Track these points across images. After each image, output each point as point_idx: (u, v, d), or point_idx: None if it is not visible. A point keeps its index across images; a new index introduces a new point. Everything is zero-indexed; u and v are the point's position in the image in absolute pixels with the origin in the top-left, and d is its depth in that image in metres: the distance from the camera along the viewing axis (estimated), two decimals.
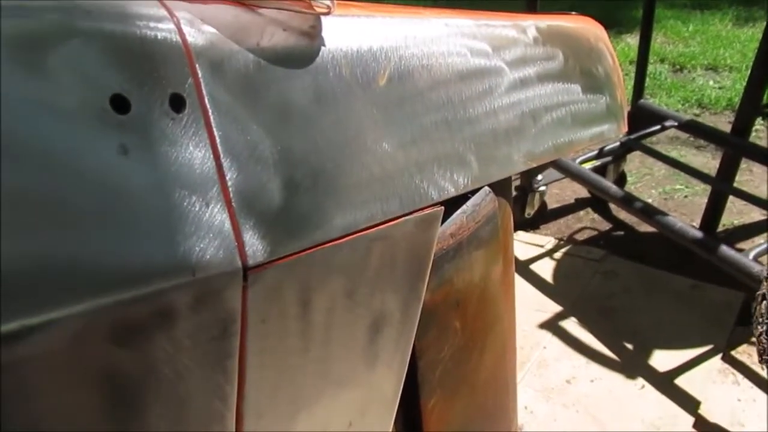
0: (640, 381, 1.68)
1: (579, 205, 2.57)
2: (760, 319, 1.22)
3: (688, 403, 1.61)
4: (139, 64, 0.34)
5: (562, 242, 2.30)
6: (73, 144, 0.31)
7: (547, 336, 1.85)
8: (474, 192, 0.62)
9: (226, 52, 0.39)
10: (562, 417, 1.59)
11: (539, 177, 2.30)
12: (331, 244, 0.43)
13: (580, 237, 2.36)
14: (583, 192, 2.58)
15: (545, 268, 2.14)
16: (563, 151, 0.81)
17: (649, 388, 1.66)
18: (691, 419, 1.56)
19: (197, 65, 0.37)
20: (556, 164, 2.16)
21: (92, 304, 0.30)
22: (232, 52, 0.39)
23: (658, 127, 2.31)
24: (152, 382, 0.35)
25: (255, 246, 0.38)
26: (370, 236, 0.46)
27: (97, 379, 0.32)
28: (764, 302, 1.19)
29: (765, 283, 1.24)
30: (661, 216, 1.88)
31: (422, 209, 0.51)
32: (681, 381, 1.67)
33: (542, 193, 2.38)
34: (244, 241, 0.37)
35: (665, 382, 1.67)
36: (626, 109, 0.99)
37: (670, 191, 2.67)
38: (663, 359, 1.74)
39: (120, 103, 0.33)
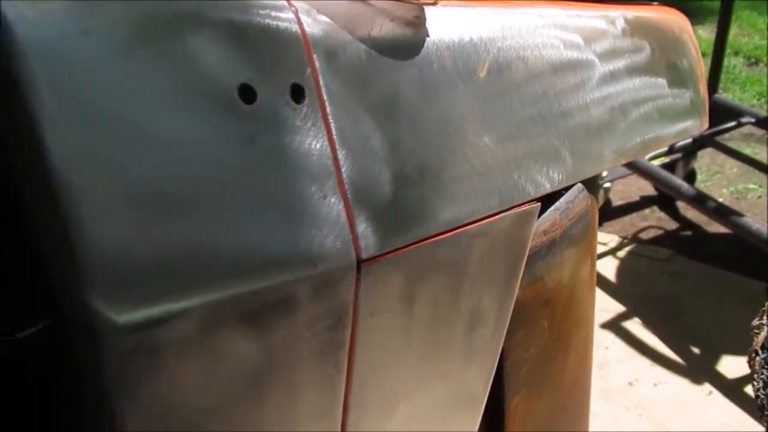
0: (707, 386, 1.62)
1: (644, 202, 2.49)
2: (755, 375, 1.15)
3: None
4: (262, 53, 0.34)
5: (626, 241, 2.23)
6: (206, 134, 0.32)
7: (610, 336, 1.80)
8: (566, 188, 0.60)
9: (340, 42, 0.39)
10: (623, 419, 1.55)
11: (604, 173, 2.24)
12: (436, 238, 0.42)
13: (645, 236, 2.28)
14: (648, 189, 2.49)
15: (609, 267, 2.09)
16: (650, 147, 0.78)
17: (717, 395, 1.60)
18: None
19: (314, 55, 0.37)
20: None
21: (226, 292, 0.31)
22: (345, 43, 0.39)
23: (733, 123, 2.22)
24: (271, 371, 0.35)
25: (368, 239, 0.38)
26: (471, 232, 0.46)
27: (222, 366, 0.33)
28: (757, 357, 1.13)
29: (756, 339, 1.16)
30: (736, 216, 1.80)
31: (519, 205, 0.50)
32: (751, 389, 1.61)
33: (607, 190, 2.31)
34: (357, 233, 0.37)
35: (734, 389, 1.61)
36: (707, 103, 0.95)
37: (742, 190, 2.56)
38: (732, 365, 1.67)
39: (247, 93, 0.33)
